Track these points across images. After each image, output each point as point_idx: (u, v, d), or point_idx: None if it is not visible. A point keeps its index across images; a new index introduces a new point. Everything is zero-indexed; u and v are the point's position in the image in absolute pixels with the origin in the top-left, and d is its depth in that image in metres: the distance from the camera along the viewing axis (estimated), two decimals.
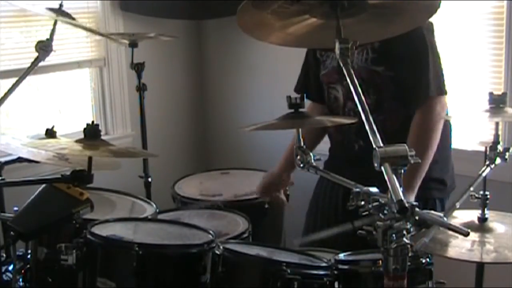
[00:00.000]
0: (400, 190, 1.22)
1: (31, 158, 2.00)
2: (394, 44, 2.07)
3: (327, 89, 2.37)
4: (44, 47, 2.11)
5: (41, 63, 2.14)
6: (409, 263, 1.24)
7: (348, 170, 2.08)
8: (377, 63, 2.19)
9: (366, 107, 1.37)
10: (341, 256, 1.78)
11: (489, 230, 1.83)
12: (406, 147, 1.28)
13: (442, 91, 2.20)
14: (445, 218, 1.32)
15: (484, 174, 1.84)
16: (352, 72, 1.42)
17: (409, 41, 2.07)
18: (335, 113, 2.34)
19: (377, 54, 2.18)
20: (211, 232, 1.88)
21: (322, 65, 2.36)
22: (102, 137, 1.81)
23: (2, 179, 2.11)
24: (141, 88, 2.91)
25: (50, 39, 2.13)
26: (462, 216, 1.87)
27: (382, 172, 1.25)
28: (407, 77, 2.17)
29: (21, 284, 2.04)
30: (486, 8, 2.85)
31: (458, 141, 2.76)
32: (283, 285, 1.67)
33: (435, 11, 1.49)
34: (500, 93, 1.89)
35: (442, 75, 2.22)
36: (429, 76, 2.16)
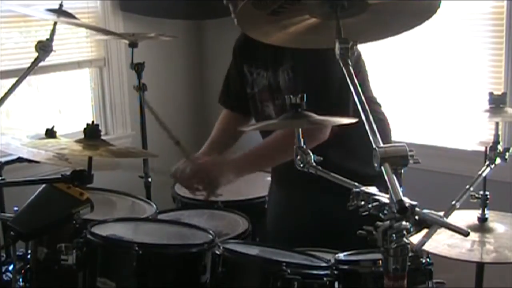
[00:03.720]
0: (400, 190, 1.22)
1: (31, 158, 2.00)
2: (304, 62, 2.11)
3: (261, 106, 2.32)
4: (44, 47, 2.11)
5: (41, 63, 2.14)
6: (409, 263, 1.24)
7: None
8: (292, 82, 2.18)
9: (366, 106, 1.37)
10: (341, 256, 1.78)
11: (489, 230, 1.83)
12: (406, 147, 1.28)
13: None
14: (445, 218, 1.32)
15: (484, 174, 1.84)
16: (353, 72, 1.41)
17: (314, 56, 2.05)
18: (269, 132, 2.26)
19: (292, 74, 2.17)
20: (211, 232, 1.88)
21: (254, 82, 2.31)
22: (102, 137, 1.81)
23: (2, 179, 2.11)
24: (141, 88, 2.91)
25: (50, 39, 2.13)
26: (462, 216, 1.88)
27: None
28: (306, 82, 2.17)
29: (21, 284, 2.04)
30: (486, 8, 2.85)
31: (458, 141, 2.77)
32: (283, 285, 1.67)
33: (435, 11, 1.49)
34: (500, 93, 1.89)
35: None
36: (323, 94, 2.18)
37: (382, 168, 1.25)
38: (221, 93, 2.62)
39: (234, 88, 2.50)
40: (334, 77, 2.04)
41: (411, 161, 1.28)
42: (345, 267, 1.72)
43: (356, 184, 1.48)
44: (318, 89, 2.07)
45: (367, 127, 1.34)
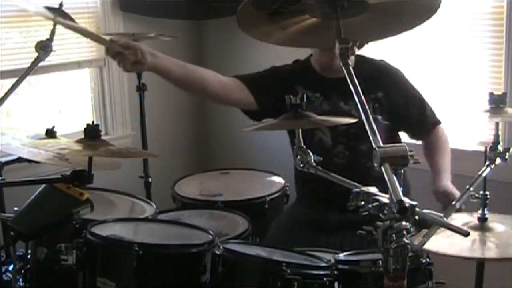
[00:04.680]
0: (400, 190, 1.22)
1: (31, 158, 2.00)
2: (395, 94, 2.40)
3: (311, 132, 2.35)
4: (44, 47, 2.11)
5: (41, 63, 2.14)
6: (409, 263, 1.24)
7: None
8: (378, 112, 2.37)
9: (366, 107, 1.37)
10: (341, 256, 1.78)
11: (489, 230, 1.83)
12: (406, 147, 1.28)
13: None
14: (445, 218, 1.32)
15: (484, 174, 1.84)
16: (353, 72, 1.41)
17: (406, 89, 2.46)
18: (317, 155, 2.30)
19: (378, 104, 2.37)
20: (211, 232, 1.88)
21: (310, 106, 2.33)
22: (102, 137, 1.81)
23: (2, 179, 2.11)
24: (141, 88, 2.91)
25: (50, 39, 2.13)
26: (462, 216, 1.87)
27: None
28: (414, 115, 2.45)
29: (21, 284, 2.04)
30: (486, 8, 2.85)
31: (458, 141, 2.76)
32: (283, 285, 1.67)
33: (435, 11, 1.49)
34: (500, 93, 1.89)
35: None
36: (429, 109, 2.49)
37: (382, 168, 1.25)
38: (248, 76, 2.46)
39: (267, 87, 2.41)
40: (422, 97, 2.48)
41: (411, 161, 1.28)
42: (345, 267, 1.72)
43: (356, 184, 1.48)
44: (421, 110, 2.45)
45: (367, 127, 1.34)
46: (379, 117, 2.38)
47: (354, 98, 2.31)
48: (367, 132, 2.24)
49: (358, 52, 2.43)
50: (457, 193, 2.16)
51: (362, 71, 2.36)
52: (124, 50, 2.03)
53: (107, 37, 2.17)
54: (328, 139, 2.38)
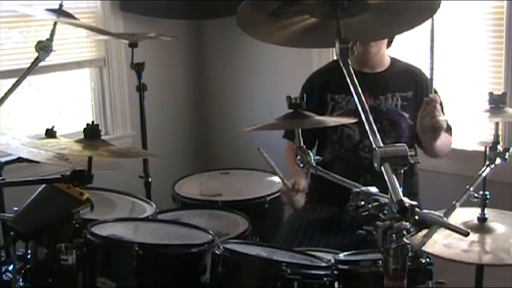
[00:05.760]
0: (400, 190, 1.22)
1: (31, 158, 2.00)
2: (424, 95, 2.36)
3: (340, 128, 2.46)
4: (44, 47, 2.11)
5: (41, 63, 2.14)
6: (409, 263, 1.24)
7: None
8: (405, 110, 2.43)
9: (366, 106, 1.37)
10: (341, 256, 1.78)
11: (488, 231, 1.83)
12: (406, 147, 1.28)
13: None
14: (445, 218, 1.32)
15: (484, 174, 1.84)
16: (353, 72, 1.42)
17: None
18: (346, 149, 2.44)
19: (407, 102, 2.44)
20: (211, 232, 1.88)
21: (336, 107, 2.47)
22: (102, 137, 1.81)
23: (2, 179, 2.11)
24: (141, 88, 2.91)
25: (50, 39, 2.13)
26: (462, 214, 1.88)
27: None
28: None
29: (21, 284, 2.04)
30: (486, 8, 2.85)
31: (458, 141, 2.77)
32: (283, 285, 1.67)
33: (435, 11, 1.49)
34: (500, 93, 1.89)
35: None
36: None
37: (382, 168, 1.25)
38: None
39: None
40: None
41: (411, 161, 1.28)
42: (345, 267, 1.72)
43: (356, 184, 1.48)
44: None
45: (367, 127, 1.35)
46: (406, 115, 2.43)
47: (384, 94, 2.40)
48: (392, 127, 2.34)
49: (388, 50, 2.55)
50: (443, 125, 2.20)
51: (396, 70, 2.53)
52: (294, 193, 2.23)
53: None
54: (356, 133, 2.44)
